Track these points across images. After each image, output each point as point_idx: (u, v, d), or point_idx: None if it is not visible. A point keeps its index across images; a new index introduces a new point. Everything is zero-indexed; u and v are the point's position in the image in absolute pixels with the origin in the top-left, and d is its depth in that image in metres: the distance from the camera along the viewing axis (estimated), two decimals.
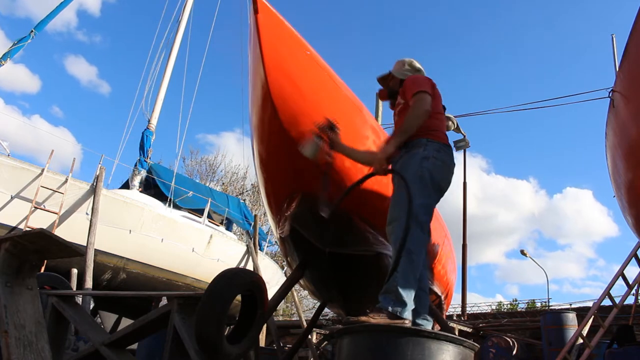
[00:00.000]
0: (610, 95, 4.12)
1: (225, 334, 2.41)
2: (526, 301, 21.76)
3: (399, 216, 2.39)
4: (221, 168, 25.19)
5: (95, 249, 7.85)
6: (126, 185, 10.92)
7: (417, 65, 3.08)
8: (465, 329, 8.32)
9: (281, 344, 6.47)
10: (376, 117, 11.02)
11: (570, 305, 12.94)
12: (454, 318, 10.65)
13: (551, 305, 16.62)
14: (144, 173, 10.78)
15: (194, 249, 9.92)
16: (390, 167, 2.59)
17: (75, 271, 7.90)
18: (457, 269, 7.67)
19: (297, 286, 6.27)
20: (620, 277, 4.94)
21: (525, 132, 51.37)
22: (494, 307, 19.58)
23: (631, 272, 4.96)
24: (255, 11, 2.51)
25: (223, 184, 24.23)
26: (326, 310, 4.58)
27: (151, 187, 10.81)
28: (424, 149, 2.55)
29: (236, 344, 2.51)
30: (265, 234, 13.70)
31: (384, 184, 3.01)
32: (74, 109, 42.62)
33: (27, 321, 2.10)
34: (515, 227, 45.61)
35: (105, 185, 8.88)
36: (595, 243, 49.73)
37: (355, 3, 49.92)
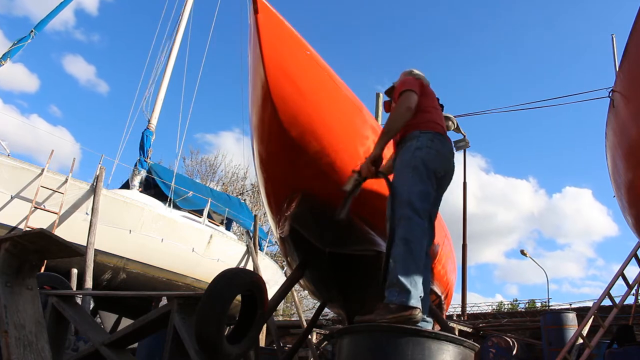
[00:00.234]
0: (610, 95, 4.12)
1: (225, 334, 2.42)
2: (526, 301, 21.78)
3: (394, 208, 2.40)
4: (221, 168, 25.22)
5: (95, 249, 7.85)
6: (126, 185, 10.92)
7: (417, 72, 3.10)
8: (465, 329, 8.32)
9: (281, 344, 6.47)
10: (376, 117, 11.02)
11: (570, 305, 12.94)
12: (454, 318, 10.66)
13: (551, 305, 16.63)
14: (144, 173, 10.78)
15: (194, 249, 9.92)
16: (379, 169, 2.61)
17: (75, 271, 7.90)
18: (457, 269, 7.67)
19: (297, 286, 6.27)
20: (620, 277, 4.94)
21: (525, 132, 51.47)
22: (494, 307, 19.59)
23: (631, 272, 4.96)
24: (255, 11, 2.51)
25: (223, 184, 24.24)
26: (326, 310, 4.58)
27: (151, 187, 10.81)
28: (416, 140, 2.57)
29: (236, 344, 2.51)
30: (265, 234, 13.71)
31: (383, 184, 3.02)
32: (72, 108, 42.67)
33: (27, 321, 2.10)
34: (515, 227, 45.67)
35: (105, 185, 8.89)
36: (594, 242, 49.78)
37: (355, 3, 49.98)
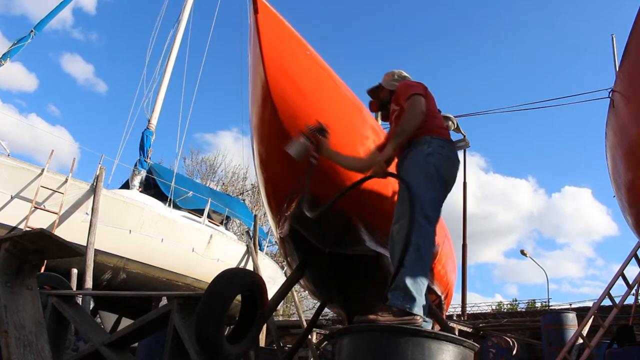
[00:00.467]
0: (610, 95, 4.12)
1: (225, 334, 2.42)
2: (526, 301, 21.78)
3: (406, 214, 2.39)
4: (221, 168, 25.22)
5: (95, 249, 7.85)
6: (126, 185, 10.92)
7: (405, 74, 3.11)
8: (465, 329, 8.32)
9: (281, 344, 6.47)
10: (376, 117, 11.02)
11: (570, 305, 12.95)
12: (454, 318, 10.66)
13: (551, 305, 16.63)
14: (144, 173, 10.78)
15: (194, 249, 9.92)
16: (388, 169, 2.59)
17: (75, 271, 7.90)
18: (457, 269, 7.67)
19: (297, 286, 6.27)
20: (620, 277, 4.94)
21: (524, 132, 51.42)
22: (494, 307, 19.59)
23: (631, 272, 4.96)
24: (255, 11, 2.51)
25: (223, 184, 24.24)
26: (326, 310, 4.58)
27: (151, 187, 10.81)
28: (428, 145, 2.56)
29: (236, 344, 2.51)
30: (265, 234, 13.71)
31: (382, 184, 3.02)
32: (71, 107, 42.56)
33: (27, 321, 2.10)
34: (514, 227, 45.65)
35: (105, 185, 8.89)
36: (594, 242, 49.76)
37: (355, 3, 49.97)
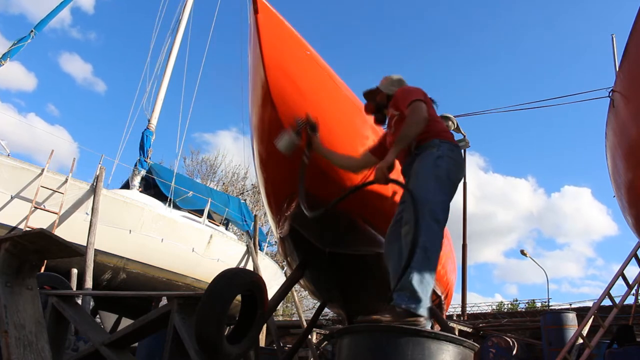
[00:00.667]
0: (610, 95, 4.12)
1: (225, 334, 2.42)
2: (526, 301, 21.79)
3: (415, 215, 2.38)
4: (221, 168, 25.22)
5: (95, 249, 7.85)
6: (126, 185, 10.92)
7: (403, 79, 3.08)
8: (465, 329, 8.31)
9: (281, 344, 6.47)
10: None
11: (570, 305, 12.95)
12: (454, 318, 10.65)
13: (551, 305, 16.63)
14: (144, 173, 10.79)
15: (194, 249, 9.93)
16: (391, 175, 2.59)
17: (75, 271, 7.91)
18: (457, 268, 7.67)
19: (297, 286, 6.27)
20: (620, 277, 4.94)
21: (524, 131, 51.43)
22: (494, 307, 19.60)
23: (631, 272, 4.96)
24: (255, 11, 2.51)
25: (223, 184, 24.24)
26: (326, 310, 4.58)
27: (151, 187, 10.81)
28: (437, 149, 2.56)
29: (236, 344, 2.51)
30: (265, 234, 13.71)
31: (383, 185, 3.01)
32: (69, 107, 42.53)
33: (27, 321, 2.10)
34: (514, 226, 45.65)
35: (105, 185, 8.89)
36: (594, 242, 49.73)
37: (355, 3, 49.96)
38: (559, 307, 13.06)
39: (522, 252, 21.23)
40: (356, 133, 3.11)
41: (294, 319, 17.75)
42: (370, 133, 3.16)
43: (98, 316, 9.33)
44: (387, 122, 2.95)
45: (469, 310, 13.67)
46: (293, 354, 4.05)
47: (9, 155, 7.96)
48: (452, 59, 52.57)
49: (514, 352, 7.53)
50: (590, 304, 11.16)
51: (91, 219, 7.97)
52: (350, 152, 2.91)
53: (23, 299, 2.14)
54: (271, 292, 3.27)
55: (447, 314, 10.14)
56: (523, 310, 17.03)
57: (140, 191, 10.48)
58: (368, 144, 3.07)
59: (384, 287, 2.58)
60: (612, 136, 4.32)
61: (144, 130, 11.39)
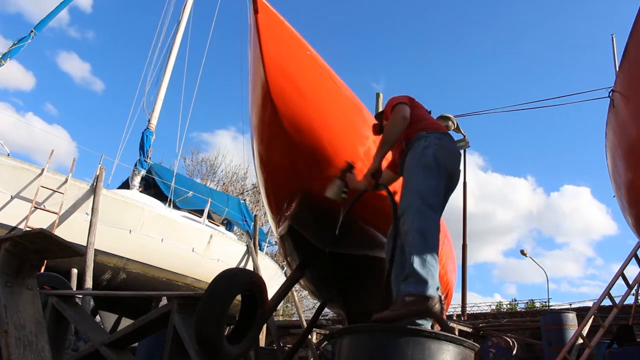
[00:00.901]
0: (610, 95, 4.12)
1: (225, 334, 2.42)
2: (525, 301, 21.78)
3: (407, 204, 2.37)
4: (221, 168, 25.22)
5: (95, 249, 7.85)
6: (126, 185, 10.92)
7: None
8: (465, 329, 8.31)
9: (281, 344, 6.47)
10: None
11: (570, 305, 12.94)
12: (454, 318, 10.65)
13: (551, 305, 16.63)
14: (144, 173, 10.79)
15: (194, 249, 9.93)
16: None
17: (75, 271, 7.91)
18: (457, 268, 7.66)
19: (297, 286, 6.27)
20: (620, 277, 4.94)
21: (523, 131, 51.49)
22: (493, 308, 19.59)
23: (631, 272, 4.96)
24: (255, 11, 2.51)
25: (224, 184, 24.24)
26: (326, 310, 4.58)
27: (151, 187, 10.81)
28: (424, 140, 2.57)
29: (236, 344, 2.51)
30: (265, 234, 13.71)
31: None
32: (67, 106, 42.50)
33: (27, 321, 2.10)
34: (513, 226, 45.66)
35: (105, 185, 8.89)
36: (594, 241, 49.72)
37: (355, 3, 49.97)
38: (559, 307, 13.06)
39: (522, 252, 21.25)
40: (356, 133, 3.11)
41: (294, 319, 17.75)
42: (370, 133, 3.16)
43: (98, 316, 9.33)
44: None
45: (468, 310, 13.66)
46: (293, 354, 4.05)
47: (9, 155, 7.96)
48: (452, 59, 52.63)
49: (514, 352, 7.53)
50: (590, 303, 11.16)
51: (91, 219, 7.97)
52: (350, 152, 2.92)
53: (23, 299, 2.14)
54: (271, 292, 3.27)
55: (447, 314, 10.14)
56: (523, 310, 17.03)
57: (140, 191, 10.48)
58: (368, 144, 3.08)
59: (383, 287, 2.57)
60: (612, 136, 4.32)
61: (144, 130, 11.39)
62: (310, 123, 2.72)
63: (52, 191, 7.79)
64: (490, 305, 19.76)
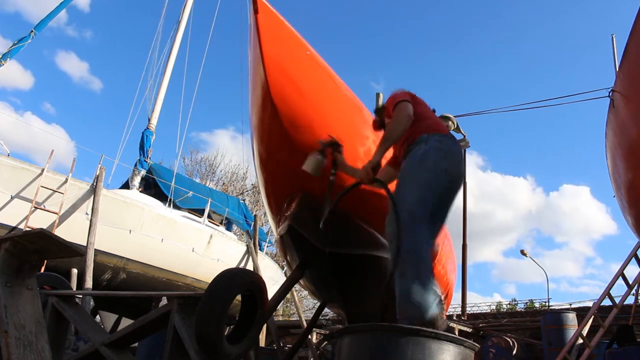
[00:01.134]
0: (610, 95, 4.12)
1: (225, 334, 2.42)
2: (525, 301, 21.78)
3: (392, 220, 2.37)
4: (221, 168, 25.21)
5: (95, 249, 7.85)
6: (126, 185, 10.92)
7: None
8: (465, 329, 8.31)
9: (281, 344, 6.47)
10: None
11: (570, 305, 12.94)
12: (454, 318, 10.64)
13: (551, 305, 16.63)
14: (144, 173, 10.79)
15: (194, 249, 9.93)
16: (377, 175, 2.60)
17: (75, 271, 7.91)
18: (457, 268, 7.66)
19: (297, 286, 6.27)
20: (620, 277, 4.94)
21: (523, 131, 51.46)
22: (492, 308, 19.59)
23: (631, 271, 4.96)
24: (255, 11, 2.51)
25: (223, 184, 24.24)
26: (326, 310, 4.58)
27: (151, 187, 10.82)
28: (425, 143, 2.54)
29: (236, 344, 2.51)
30: (265, 234, 13.71)
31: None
32: (66, 105, 42.44)
33: (27, 321, 2.10)
34: (513, 225, 45.63)
35: (105, 185, 8.89)
36: (593, 241, 49.72)
37: (355, 3, 49.97)
38: (559, 307, 13.06)
39: (522, 252, 21.24)
40: (356, 133, 3.11)
41: (294, 319, 17.74)
42: (370, 133, 3.16)
43: (98, 316, 9.33)
44: None
45: (468, 310, 13.66)
46: (293, 354, 4.05)
47: (9, 155, 7.96)
48: (452, 59, 52.62)
49: (514, 352, 7.53)
50: (589, 303, 11.17)
51: (91, 219, 7.97)
52: (350, 152, 2.91)
53: (23, 299, 2.14)
54: (271, 292, 3.27)
55: (447, 314, 10.14)
56: (522, 310, 17.03)
57: (140, 191, 10.48)
58: (368, 144, 3.07)
59: (384, 286, 2.57)
60: (612, 136, 4.32)
61: (144, 130, 11.39)
62: (310, 123, 2.72)
63: (52, 191, 7.79)
64: (490, 305, 19.78)
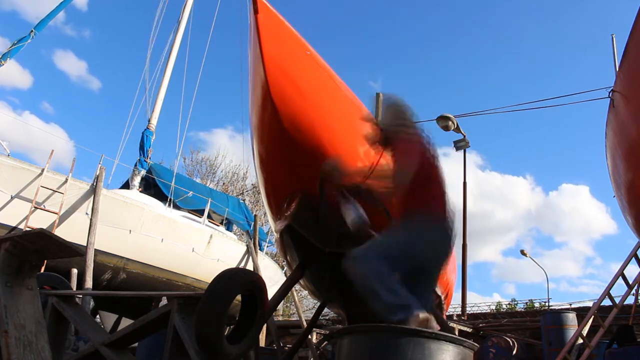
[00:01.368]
0: (610, 95, 4.12)
1: (225, 334, 2.42)
2: (525, 301, 21.78)
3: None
4: (221, 168, 25.21)
5: (95, 249, 7.85)
6: (126, 185, 10.93)
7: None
8: (465, 329, 8.31)
9: (281, 344, 6.47)
10: (376, 117, 10.99)
11: (570, 305, 12.94)
12: (454, 318, 10.64)
13: (550, 305, 16.63)
14: (144, 173, 10.79)
15: (194, 249, 9.93)
16: None
17: (75, 271, 7.91)
18: (457, 268, 7.67)
19: (297, 286, 6.27)
20: (620, 277, 4.94)
21: (522, 130, 51.37)
22: (492, 308, 19.59)
23: (631, 271, 4.96)
24: (255, 11, 2.52)
25: (223, 184, 24.23)
26: (326, 310, 4.58)
27: (151, 187, 10.81)
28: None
29: (236, 344, 2.51)
30: (265, 234, 13.71)
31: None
32: (64, 105, 42.30)
33: (27, 321, 2.10)
34: (512, 225, 45.53)
35: (105, 185, 8.89)
36: (593, 240, 49.61)
37: (355, 3, 49.97)
38: (559, 307, 13.06)
39: (522, 252, 21.23)
40: (356, 133, 3.11)
41: (294, 319, 17.74)
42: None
43: (98, 316, 9.33)
44: None
45: (468, 310, 13.66)
46: (293, 354, 4.05)
47: (9, 155, 7.96)
48: (452, 59, 52.57)
49: (514, 352, 7.53)
50: (589, 303, 11.16)
51: (91, 219, 7.97)
52: (350, 152, 2.91)
53: (23, 299, 2.14)
54: (271, 292, 3.27)
55: (447, 314, 10.14)
56: (522, 310, 17.03)
57: (140, 191, 10.48)
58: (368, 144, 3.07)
59: None
60: (612, 136, 4.32)
61: (144, 130, 11.39)
62: (310, 123, 2.72)
63: (52, 191, 7.79)
64: (489, 305, 19.77)
